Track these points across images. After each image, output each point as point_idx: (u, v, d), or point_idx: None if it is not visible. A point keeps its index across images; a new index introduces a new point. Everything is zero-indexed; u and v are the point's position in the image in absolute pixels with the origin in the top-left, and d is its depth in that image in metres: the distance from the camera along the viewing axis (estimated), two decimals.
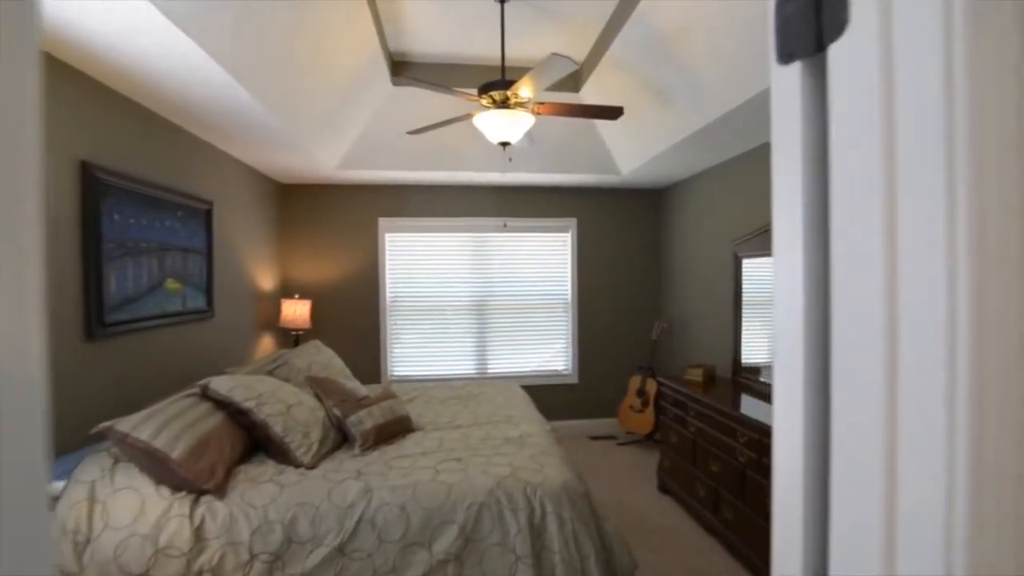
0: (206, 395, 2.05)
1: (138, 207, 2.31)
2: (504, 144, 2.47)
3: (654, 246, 4.77)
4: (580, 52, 3.24)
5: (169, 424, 1.78)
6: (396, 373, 4.45)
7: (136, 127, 2.30)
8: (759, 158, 3.23)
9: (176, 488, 1.73)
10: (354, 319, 4.36)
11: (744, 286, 3.27)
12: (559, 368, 4.67)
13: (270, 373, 2.68)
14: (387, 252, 4.40)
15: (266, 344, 3.95)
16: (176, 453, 1.70)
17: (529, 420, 2.65)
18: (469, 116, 2.52)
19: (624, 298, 4.73)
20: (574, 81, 3.48)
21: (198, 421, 1.88)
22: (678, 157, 3.51)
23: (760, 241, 3.03)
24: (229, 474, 1.86)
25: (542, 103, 2.45)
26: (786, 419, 0.44)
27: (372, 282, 4.38)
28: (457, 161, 3.87)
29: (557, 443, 2.38)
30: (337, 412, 2.29)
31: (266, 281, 3.96)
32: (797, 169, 0.42)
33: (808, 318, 0.41)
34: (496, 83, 2.36)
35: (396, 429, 2.41)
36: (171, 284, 2.58)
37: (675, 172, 4.02)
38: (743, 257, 3.25)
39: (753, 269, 3.19)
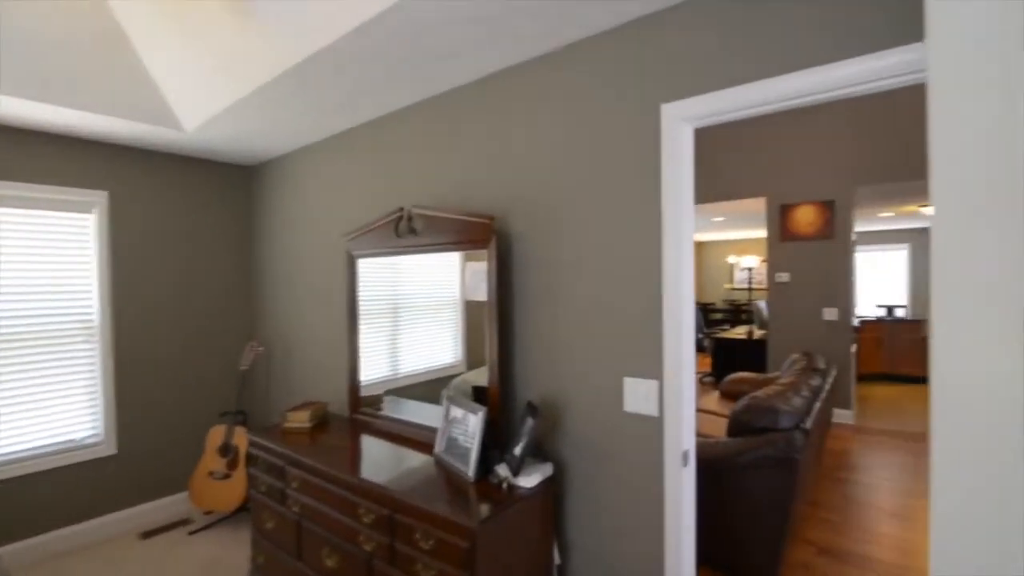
0: None
1: None
2: None
3: (245, 242, 3.54)
4: None
5: None
6: None
7: None
8: (382, 131, 2.58)
9: None
10: None
11: (361, 293, 2.55)
12: (78, 436, 2.84)
13: None
14: None
15: None
16: None
17: None
18: None
19: (200, 315, 3.31)
20: None
21: None
22: (273, 113, 2.48)
23: (378, 236, 2.37)
24: None
25: None
26: None
27: None
28: None
29: None
30: None
31: None
32: None
33: None
34: None
35: None
36: None
37: (275, 141, 2.96)
38: (358, 257, 2.53)
39: (370, 271, 2.51)
